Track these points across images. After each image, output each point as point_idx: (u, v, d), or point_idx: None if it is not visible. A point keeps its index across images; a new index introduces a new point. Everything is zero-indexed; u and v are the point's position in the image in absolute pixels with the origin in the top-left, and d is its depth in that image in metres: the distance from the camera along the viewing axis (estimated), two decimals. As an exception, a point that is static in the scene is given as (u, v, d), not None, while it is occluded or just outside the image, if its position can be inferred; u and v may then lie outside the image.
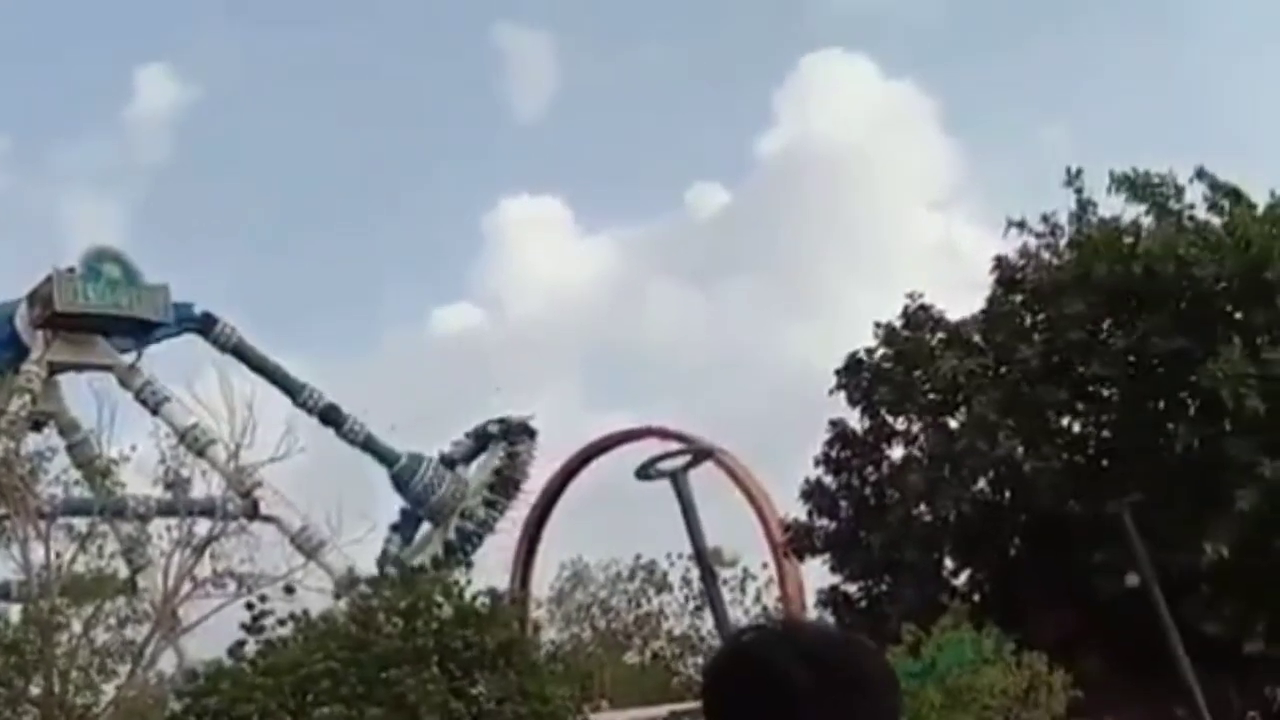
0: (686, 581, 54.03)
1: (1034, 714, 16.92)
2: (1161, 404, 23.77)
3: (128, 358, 47.03)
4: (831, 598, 27.80)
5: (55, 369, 45.70)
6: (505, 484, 47.61)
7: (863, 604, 27.07)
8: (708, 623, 46.37)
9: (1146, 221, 24.57)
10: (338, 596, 36.99)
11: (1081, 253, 24.22)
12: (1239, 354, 21.43)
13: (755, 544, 39.42)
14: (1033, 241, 25.55)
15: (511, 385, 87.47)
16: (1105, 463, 25.03)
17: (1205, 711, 20.19)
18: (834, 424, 27.16)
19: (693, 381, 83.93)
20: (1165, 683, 21.62)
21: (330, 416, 47.33)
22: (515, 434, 47.95)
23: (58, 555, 35.55)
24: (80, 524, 38.54)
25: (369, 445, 47.53)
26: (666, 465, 15.96)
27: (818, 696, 1.76)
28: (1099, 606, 22.87)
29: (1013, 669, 17.15)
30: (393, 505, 51.98)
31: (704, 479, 29.42)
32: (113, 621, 39.90)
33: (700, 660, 56.03)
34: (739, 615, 52.91)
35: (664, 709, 47.38)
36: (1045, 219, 25.74)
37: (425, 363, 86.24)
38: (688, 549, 17.11)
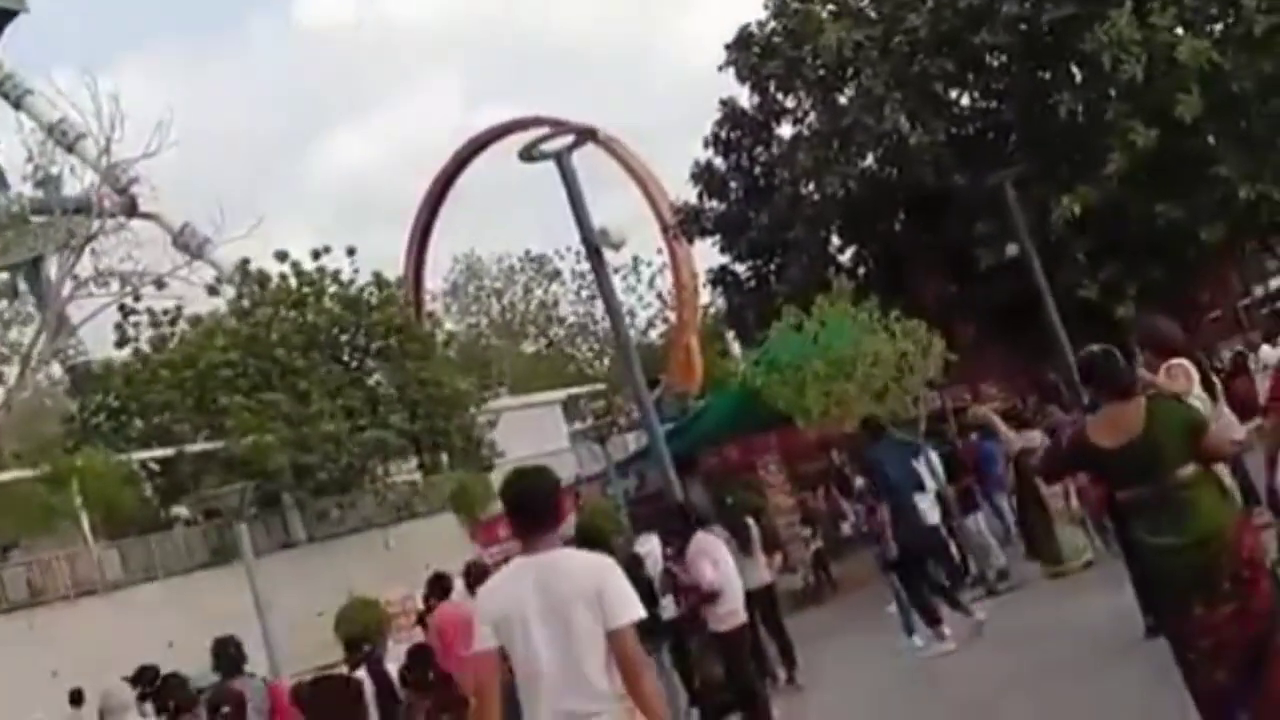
0: (579, 274, 54.43)
1: (912, 380, 17.44)
2: (1049, 73, 23.67)
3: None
4: (721, 277, 28.11)
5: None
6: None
7: (751, 283, 27.44)
8: (600, 309, 47.07)
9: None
10: (213, 291, 36.55)
11: (975, -83, 23.48)
12: (1126, 19, 21.25)
13: (648, 230, 39.52)
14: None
15: (389, 84, 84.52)
16: (991, 135, 25.11)
17: (1076, 371, 21.07)
18: (724, 103, 26.73)
19: (583, 73, 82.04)
20: (1039, 346, 22.48)
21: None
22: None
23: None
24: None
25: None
26: (550, 146, 15.55)
27: None
28: (979, 277, 23.45)
29: (893, 338, 17.56)
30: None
31: (593, 167, 29.10)
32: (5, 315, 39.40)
33: (595, 345, 57.20)
34: (633, 302, 53.78)
35: (561, 393, 48.64)
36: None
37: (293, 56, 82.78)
38: (578, 241, 16.97)
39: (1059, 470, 6.87)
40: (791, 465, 21.75)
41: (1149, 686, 7.17)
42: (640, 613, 4.52)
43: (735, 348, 33.80)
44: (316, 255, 35.41)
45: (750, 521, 12.85)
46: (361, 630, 10.86)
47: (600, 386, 48.98)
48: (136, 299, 35.52)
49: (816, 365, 17.11)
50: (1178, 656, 5.33)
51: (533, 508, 4.68)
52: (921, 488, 12.54)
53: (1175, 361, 6.59)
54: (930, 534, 12.64)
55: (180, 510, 33.69)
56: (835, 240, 26.87)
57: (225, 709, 7.98)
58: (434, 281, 50.80)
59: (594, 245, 16.12)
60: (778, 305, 20.63)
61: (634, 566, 11.09)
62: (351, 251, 35.45)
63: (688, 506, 12.22)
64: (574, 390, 49.15)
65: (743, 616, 10.34)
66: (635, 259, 50.46)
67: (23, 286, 42.36)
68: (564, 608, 4.47)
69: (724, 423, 21.56)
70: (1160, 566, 5.22)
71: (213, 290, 36.94)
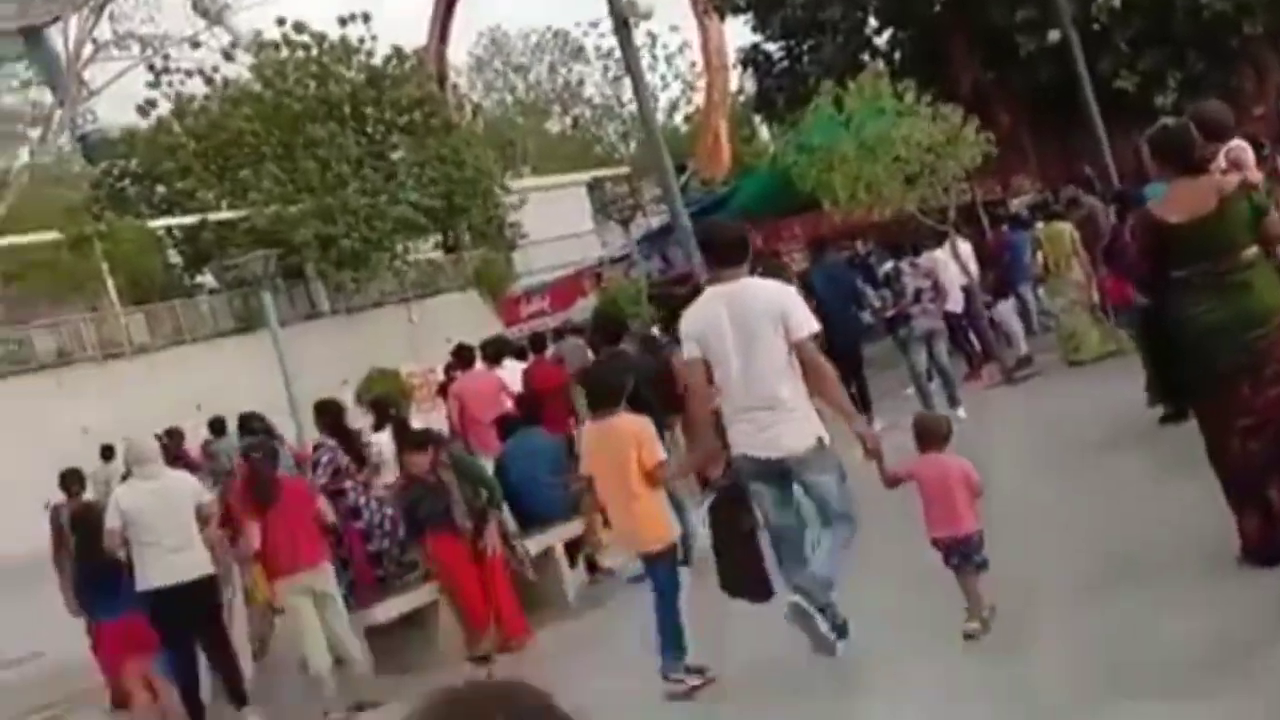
0: (604, 53, 53.10)
1: (946, 165, 17.08)
2: None
3: None
4: (752, 57, 27.45)
5: None
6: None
7: (783, 64, 26.80)
8: (626, 91, 46.14)
9: None
10: (227, 56, 35.85)
11: None
12: None
13: (675, 6, 38.32)
14: None
15: None
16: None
17: (1110, 160, 20.72)
18: (763, -127, 25.64)
19: None
20: (1076, 137, 22.05)
21: None
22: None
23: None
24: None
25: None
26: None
27: None
28: (1018, 64, 22.84)
29: (928, 121, 17.12)
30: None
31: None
32: (15, 84, 38.94)
33: (620, 128, 56.34)
34: (655, 81, 52.61)
35: (586, 175, 48.16)
36: None
37: None
38: (604, 15, 16.45)
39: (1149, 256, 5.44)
40: (818, 250, 21.61)
41: (1166, 468, 7.24)
42: (815, 327, 5.55)
43: (764, 134, 33.18)
44: (343, 22, 34.55)
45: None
46: (388, 395, 11.08)
47: (625, 170, 48.41)
48: (165, 60, 34.90)
49: (848, 147, 16.77)
50: (1213, 433, 5.31)
51: (724, 245, 5.77)
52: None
53: (1236, 143, 6.40)
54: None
55: (205, 278, 33.92)
56: (872, 21, 26.10)
57: (256, 456, 8.18)
58: (458, 56, 49.75)
59: (621, 16, 15.66)
60: (810, 87, 20.15)
61: (650, 348, 11.10)
62: (367, 18, 34.40)
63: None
64: (599, 173, 48.63)
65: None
66: (652, 36, 48.93)
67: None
68: (752, 323, 5.50)
69: (751, 205, 21.32)
70: (1209, 345, 5.14)
71: (228, 55, 36.24)
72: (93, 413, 25.03)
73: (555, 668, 7.39)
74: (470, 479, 8.33)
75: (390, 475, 9.61)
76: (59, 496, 11.43)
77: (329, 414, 10.10)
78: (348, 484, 9.51)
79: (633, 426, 6.15)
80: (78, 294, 31.42)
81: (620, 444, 6.08)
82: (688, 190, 28.25)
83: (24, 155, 36.98)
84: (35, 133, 37.83)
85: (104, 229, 30.26)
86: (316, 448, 10.02)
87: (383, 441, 10.26)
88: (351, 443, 9.83)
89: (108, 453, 16.15)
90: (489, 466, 9.81)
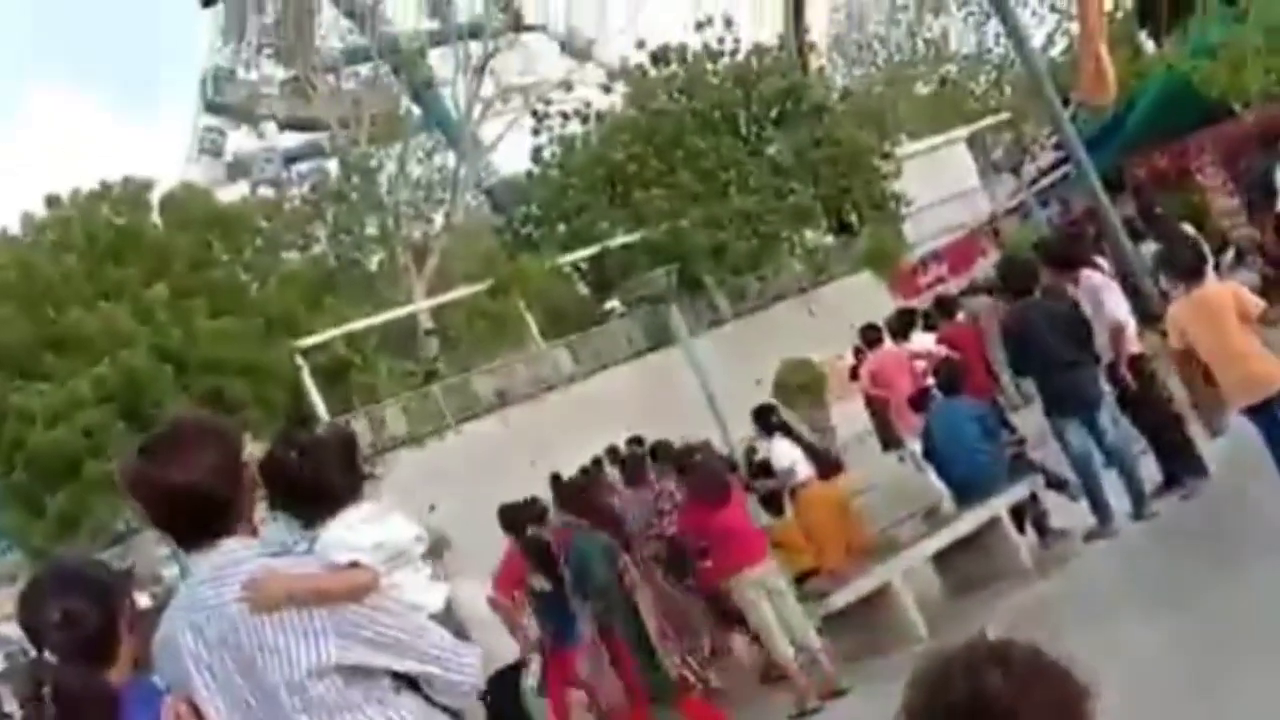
0: (964, 2, 51.36)
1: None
2: None
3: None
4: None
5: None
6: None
7: (1159, -29, 24.96)
8: (993, 33, 44.48)
9: None
10: (606, 90, 37.42)
11: None
12: None
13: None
14: None
15: None
16: None
17: None
18: None
19: None
20: None
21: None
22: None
23: (354, 102, 37.52)
24: (364, 71, 40.22)
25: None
26: None
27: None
28: None
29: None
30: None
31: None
32: (421, 155, 42.45)
33: (994, 76, 54.34)
34: (1027, 19, 50.30)
35: (963, 130, 46.78)
36: None
37: None
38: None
39: None
40: (1233, 164, 19.94)
41: None
42: None
43: (1149, 48, 31.07)
44: (700, 26, 35.45)
45: (1189, 229, 12.03)
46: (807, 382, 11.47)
47: (1005, 116, 46.61)
48: (547, 105, 37.02)
49: (1254, 39, 15.41)
50: None
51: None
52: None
53: None
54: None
55: (612, 303, 35.60)
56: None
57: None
58: (816, 37, 49.61)
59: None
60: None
61: (1058, 296, 10.64)
62: (729, 23, 35.16)
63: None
64: (976, 125, 47.11)
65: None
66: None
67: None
68: None
69: (1148, 125, 19.89)
70: None
71: (605, 89, 38.02)
72: (536, 446, 26.77)
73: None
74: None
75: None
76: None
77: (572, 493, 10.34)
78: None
79: (1225, 289, 7.61)
80: (503, 336, 33.76)
81: (1216, 307, 7.21)
82: (1075, 122, 26.85)
83: (440, 218, 40.28)
84: (446, 195, 41.09)
85: (518, 272, 32.41)
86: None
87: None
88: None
89: (557, 481, 17.25)
90: (914, 444, 9.76)
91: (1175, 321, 7.53)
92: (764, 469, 10.64)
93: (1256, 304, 7.28)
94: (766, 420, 11.53)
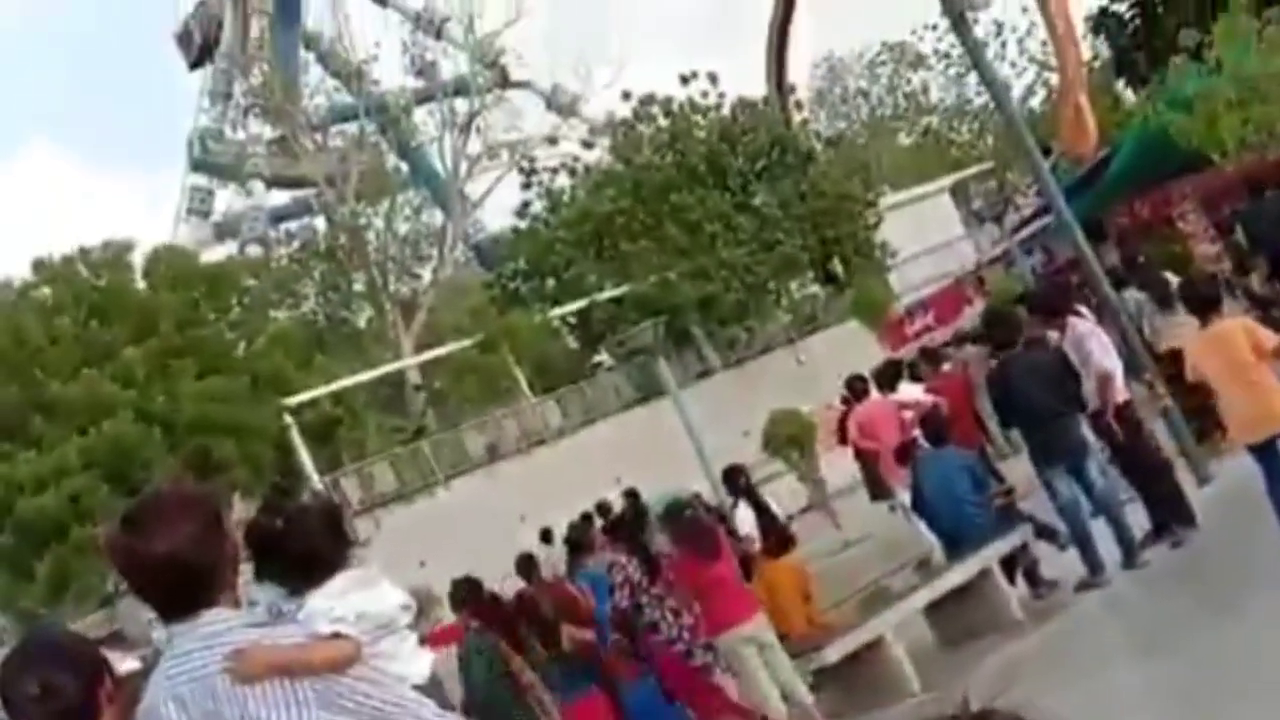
0: (942, 54, 51.86)
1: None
2: None
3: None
4: (1101, 22, 26.19)
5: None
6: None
7: (1135, 22, 25.38)
8: (973, 84, 44.90)
9: None
10: (587, 145, 37.67)
11: None
12: None
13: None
14: None
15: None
16: None
17: None
18: None
19: None
20: None
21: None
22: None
23: (341, 160, 37.69)
24: (351, 129, 40.46)
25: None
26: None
27: None
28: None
29: (1312, 46, 15.74)
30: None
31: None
32: (408, 212, 42.63)
33: (975, 126, 54.80)
34: (1006, 71, 50.83)
35: (947, 180, 47.13)
36: None
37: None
38: (937, 16, 16.05)
39: None
40: (1214, 211, 20.14)
41: None
42: None
43: (1128, 97, 31.43)
44: (684, 80, 35.71)
45: (1169, 276, 12.10)
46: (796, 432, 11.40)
47: (987, 165, 46.99)
48: (531, 162, 37.29)
49: (1226, 91, 15.64)
50: None
51: None
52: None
53: None
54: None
55: (601, 357, 35.60)
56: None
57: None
58: (799, 93, 50.05)
59: (957, 10, 15.25)
60: (1169, 37, 18.99)
61: (1042, 347, 10.67)
62: (713, 78, 35.45)
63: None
64: (959, 175, 47.49)
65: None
66: (998, 24, 47.42)
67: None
68: None
69: (1128, 174, 20.14)
70: None
71: (587, 145, 38.25)
72: (526, 499, 26.68)
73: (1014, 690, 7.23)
74: None
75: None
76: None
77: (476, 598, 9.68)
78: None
79: (1236, 323, 7.53)
80: (492, 391, 33.71)
81: (1228, 341, 7.17)
82: (1056, 171, 27.11)
83: (428, 274, 40.38)
84: (434, 251, 41.23)
85: (507, 327, 32.44)
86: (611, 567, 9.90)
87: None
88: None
89: (547, 536, 17.21)
90: (904, 495, 9.73)
91: (1188, 355, 7.51)
92: (731, 532, 10.59)
93: (1270, 337, 7.17)
94: (734, 483, 11.56)
